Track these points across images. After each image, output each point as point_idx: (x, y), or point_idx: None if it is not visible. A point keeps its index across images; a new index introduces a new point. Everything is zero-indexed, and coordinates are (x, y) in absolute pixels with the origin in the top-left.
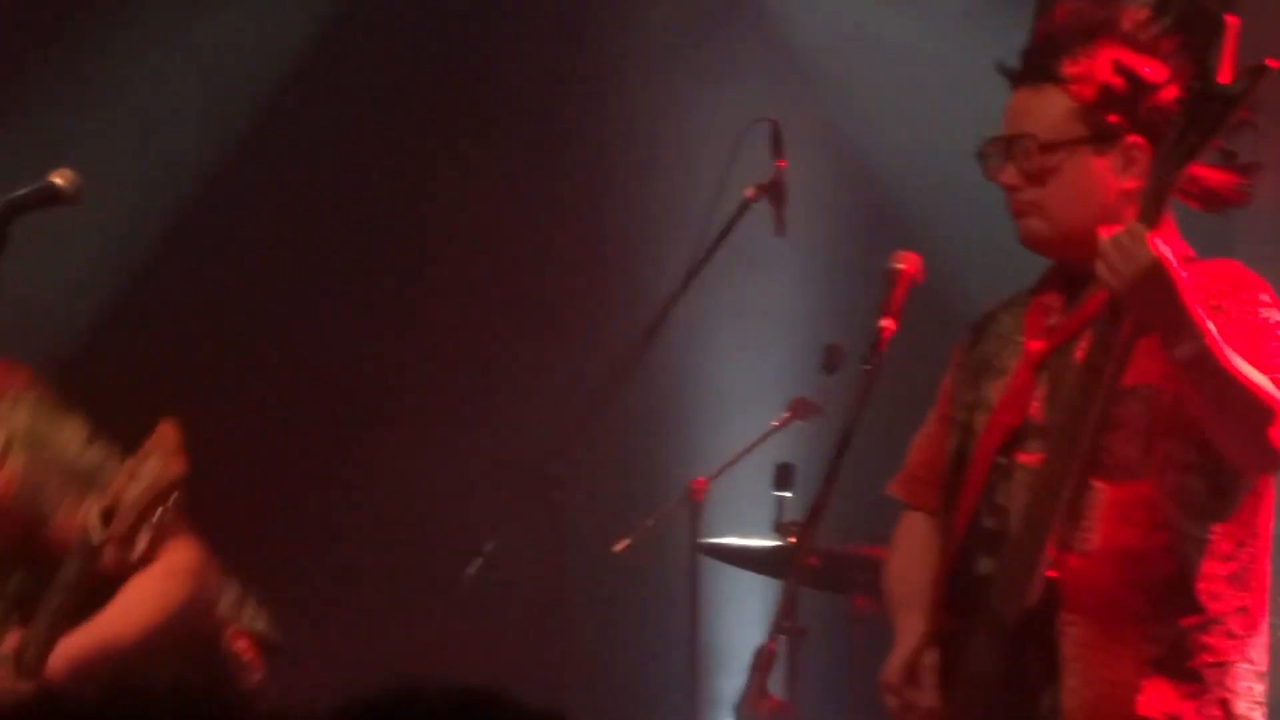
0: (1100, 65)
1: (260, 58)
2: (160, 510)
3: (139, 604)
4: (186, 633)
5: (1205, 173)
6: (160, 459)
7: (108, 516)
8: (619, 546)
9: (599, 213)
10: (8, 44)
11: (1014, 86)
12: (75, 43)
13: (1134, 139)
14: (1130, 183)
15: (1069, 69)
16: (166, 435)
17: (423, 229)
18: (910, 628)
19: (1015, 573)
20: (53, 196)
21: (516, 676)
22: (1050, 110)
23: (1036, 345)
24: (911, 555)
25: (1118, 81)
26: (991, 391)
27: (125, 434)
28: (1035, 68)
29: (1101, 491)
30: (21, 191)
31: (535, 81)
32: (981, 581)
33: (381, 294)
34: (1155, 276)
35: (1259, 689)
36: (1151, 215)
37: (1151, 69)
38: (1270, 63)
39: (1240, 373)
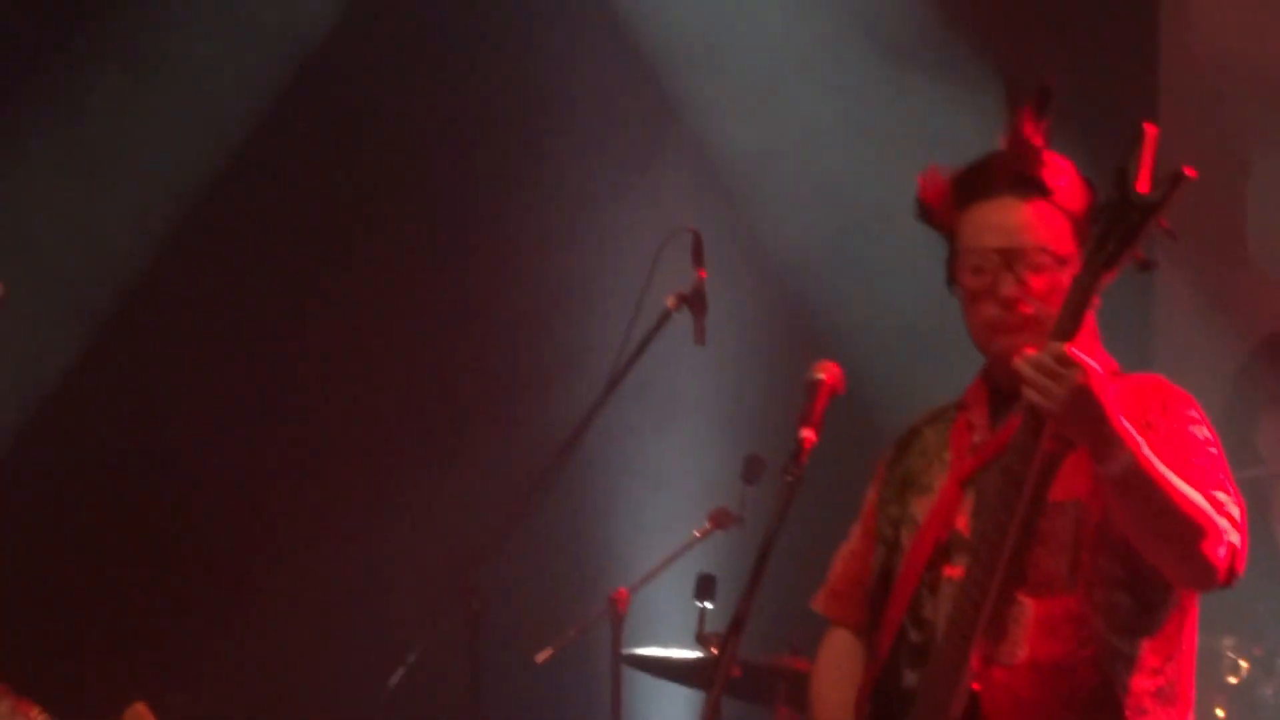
0: (1073, 178)
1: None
2: None
3: None
4: None
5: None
6: None
7: None
8: (541, 656)
9: (518, 321)
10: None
11: (988, 196)
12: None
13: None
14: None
15: (1053, 181)
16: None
17: (349, 331)
18: None
19: (939, 686)
20: None
21: None
22: (1054, 224)
23: (963, 463)
24: (832, 674)
25: (1091, 195)
26: (917, 507)
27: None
28: (1024, 179)
29: (1027, 606)
30: None
31: (467, 195)
32: (907, 695)
33: (307, 396)
34: (1083, 397)
35: None
36: (1069, 329)
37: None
38: (1188, 171)
39: (1174, 488)
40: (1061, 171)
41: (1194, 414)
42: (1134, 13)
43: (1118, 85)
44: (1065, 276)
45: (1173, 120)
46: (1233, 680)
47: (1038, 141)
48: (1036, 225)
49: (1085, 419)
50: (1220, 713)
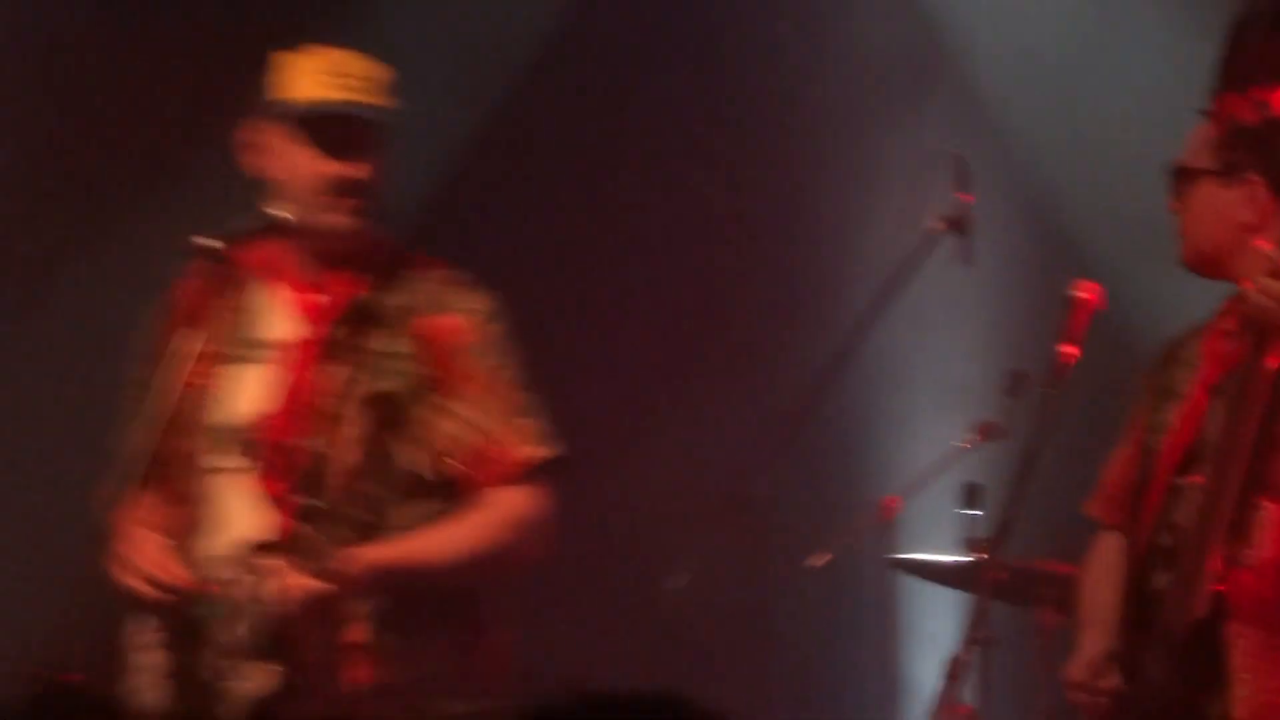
0: (1244, 104)
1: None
2: (494, 461)
3: (457, 539)
4: (489, 577)
5: None
6: (499, 412)
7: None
8: (816, 561)
9: (794, 243)
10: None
11: None
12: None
13: (1255, 178)
14: (1248, 217)
15: (1218, 104)
16: (509, 386)
17: (626, 252)
18: (1092, 637)
19: (1184, 588)
20: (283, 225)
21: (719, 684)
22: (1196, 140)
23: (1212, 370)
24: (1102, 574)
25: (1250, 120)
26: (1171, 415)
27: None
28: (1205, 101)
29: (1268, 509)
30: (246, 223)
31: (737, 120)
32: (1158, 596)
33: (583, 321)
34: None
35: None
36: None
37: None
38: None
39: None
40: (1242, 96)
41: None
42: None
43: None
44: (1192, 189)
45: None
46: None
47: None
48: (1189, 142)
49: None
50: None
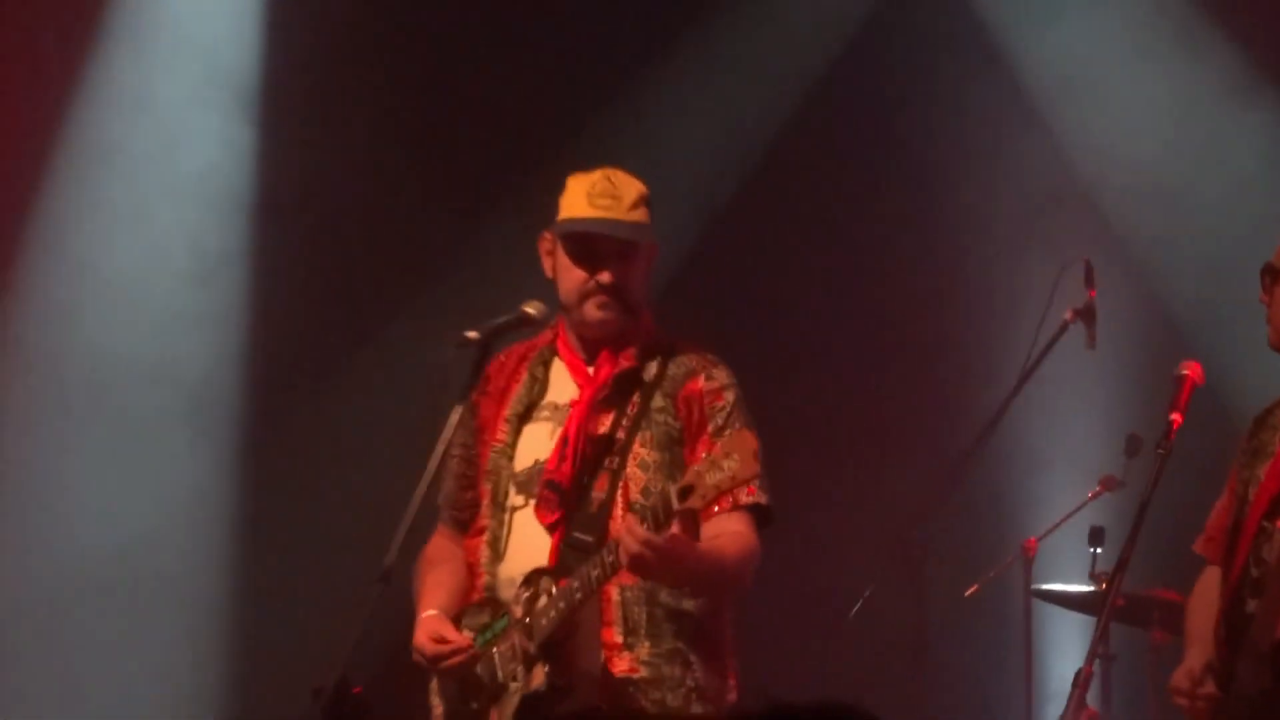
0: None
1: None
2: (730, 499)
3: (730, 551)
4: (724, 595)
5: None
6: (739, 460)
7: (685, 492)
8: (969, 591)
9: (957, 328)
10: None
11: None
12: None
13: None
14: None
15: None
16: (747, 441)
17: (825, 339)
18: (1194, 653)
19: (1271, 611)
20: (526, 322)
21: (887, 696)
22: None
23: None
24: (1204, 601)
25: None
26: (1262, 470)
27: None
28: None
29: None
30: (501, 319)
31: (922, 226)
32: (1249, 618)
33: (788, 394)
34: None
35: None
36: None
37: None
38: None
39: None
40: None
41: None
42: None
43: None
44: None
45: None
46: None
47: None
48: None
49: None
50: None
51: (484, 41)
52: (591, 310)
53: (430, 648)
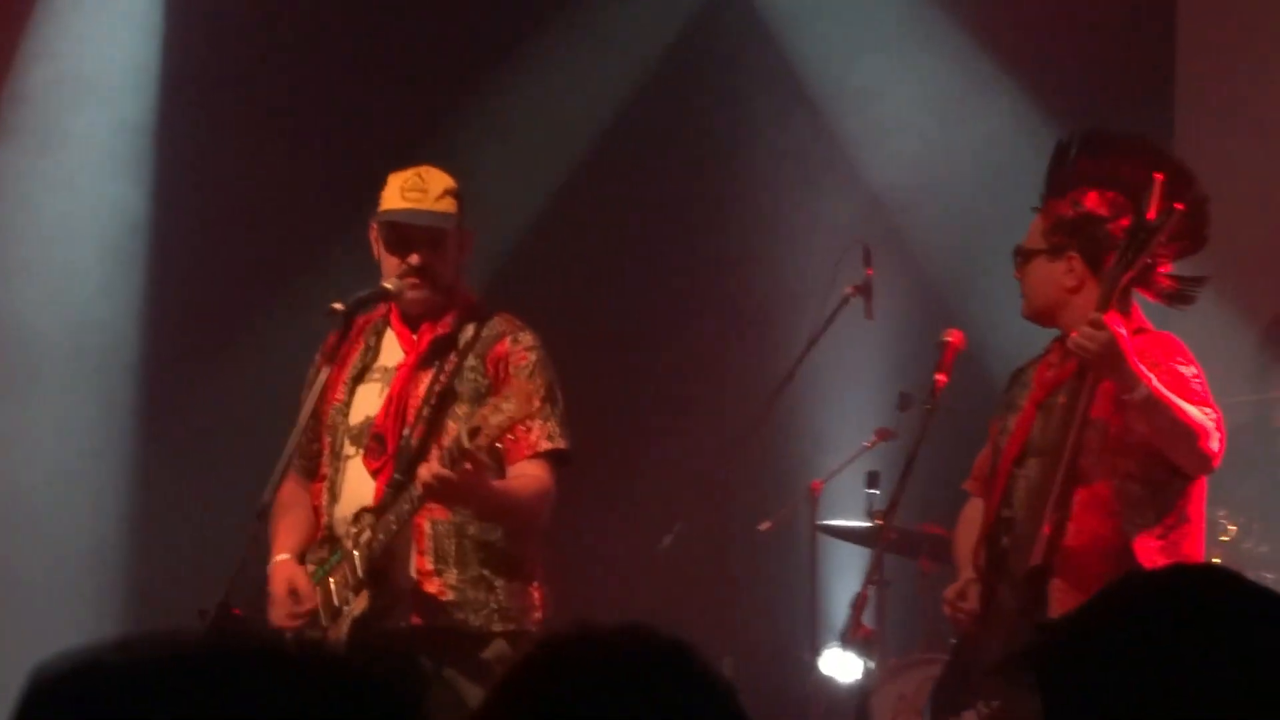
0: (1064, 203)
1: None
2: (509, 438)
3: (523, 488)
4: (518, 528)
5: (1163, 281)
6: (515, 403)
7: (474, 433)
8: (764, 526)
9: (752, 302)
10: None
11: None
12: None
13: (1073, 255)
14: (1070, 283)
15: (1048, 203)
16: (523, 387)
17: (634, 305)
18: (964, 574)
19: (1022, 546)
20: (385, 297)
21: (691, 618)
22: (1033, 229)
23: (1040, 390)
24: (968, 530)
25: (1069, 215)
26: (1013, 422)
27: None
28: (1041, 198)
29: (1077, 492)
30: (364, 293)
31: (713, 217)
32: (1003, 552)
33: (602, 354)
34: (1110, 348)
35: None
36: (1104, 303)
37: (1104, 207)
38: (1178, 205)
39: (1177, 405)
40: (1063, 199)
41: (1183, 358)
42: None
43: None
44: (1030, 264)
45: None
46: (1224, 539)
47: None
48: (1028, 229)
49: (1112, 363)
50: (1217, 561)
51: (358, 51)
52: (407, 290)
53: (289, 604)
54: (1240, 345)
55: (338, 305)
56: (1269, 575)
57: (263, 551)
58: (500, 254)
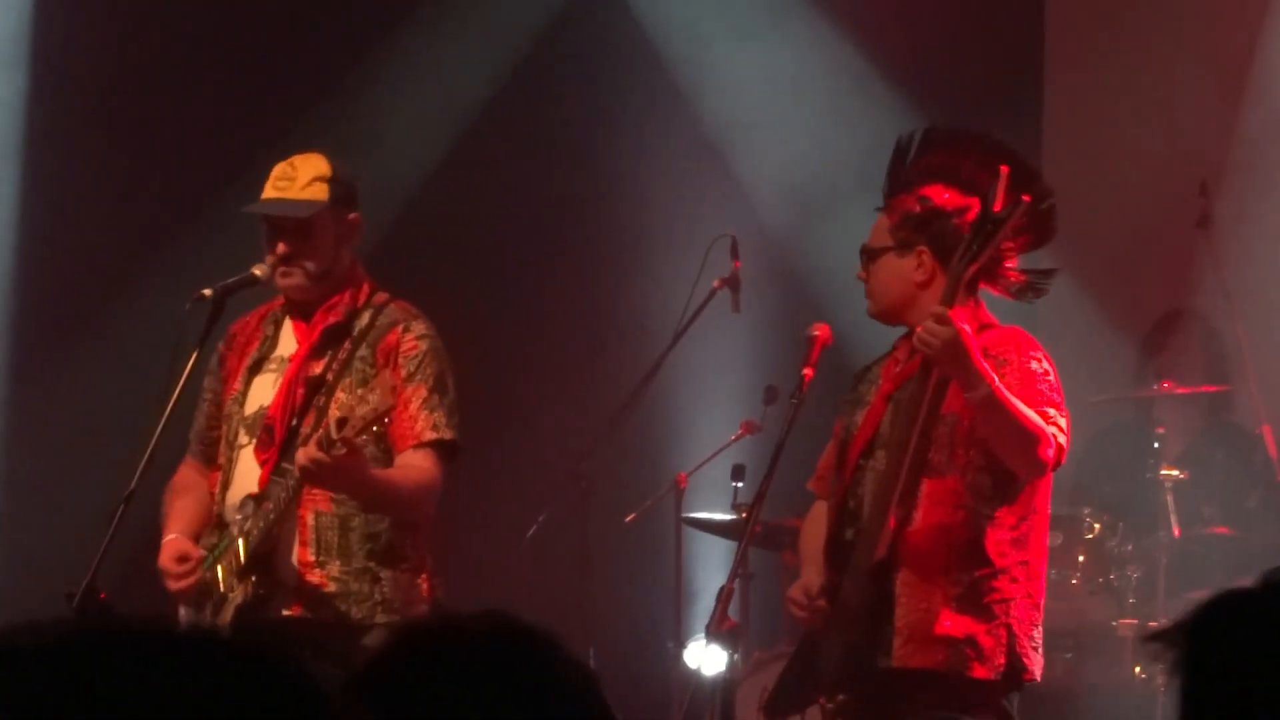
0: (910, 199)
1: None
2: (376, 429)
3: (405, 477)
4: (400, 515)
5: (1010, 275)
6: (379, 395)
7: (341, 424)
8: (629, 519)
9: (619, 295)
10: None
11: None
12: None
13: (922, 249)
14: (920, 278)
15: (892, 201)
16: (386, 380)
17: (508, 297)
18: (809, 572)
19: (868, 539)
20: (252, 283)
21: (554, 609)
22: (878, 228)
23: (887, 384)
24: (813, 529)
25: (916, 210)
26: (860, 417)
27: None
28: (884, 197)
29: (923, 485)
30: (231, 280)
31: (579, 209)
32: (848, 545)
33: (479, 346)
34: (954, 345)
35: (1037, 616)
36: (949, 299)
37: (951, 201)
38: (1025, 197)
39: (1017, 409)
40: (909, 194)
41: (1036, 354)
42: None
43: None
44: (877, 262)
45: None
46: (1089, 536)
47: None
48: (872, 229)
49: (955, 360)
50: (1081, 558)
51: (226, 40)
52: (279, 278)
53: (173, 567)
54: (1116, 343)
55: (206, 292)
56: (1133, 574)
57: (132, 531)
58: (363, 250)
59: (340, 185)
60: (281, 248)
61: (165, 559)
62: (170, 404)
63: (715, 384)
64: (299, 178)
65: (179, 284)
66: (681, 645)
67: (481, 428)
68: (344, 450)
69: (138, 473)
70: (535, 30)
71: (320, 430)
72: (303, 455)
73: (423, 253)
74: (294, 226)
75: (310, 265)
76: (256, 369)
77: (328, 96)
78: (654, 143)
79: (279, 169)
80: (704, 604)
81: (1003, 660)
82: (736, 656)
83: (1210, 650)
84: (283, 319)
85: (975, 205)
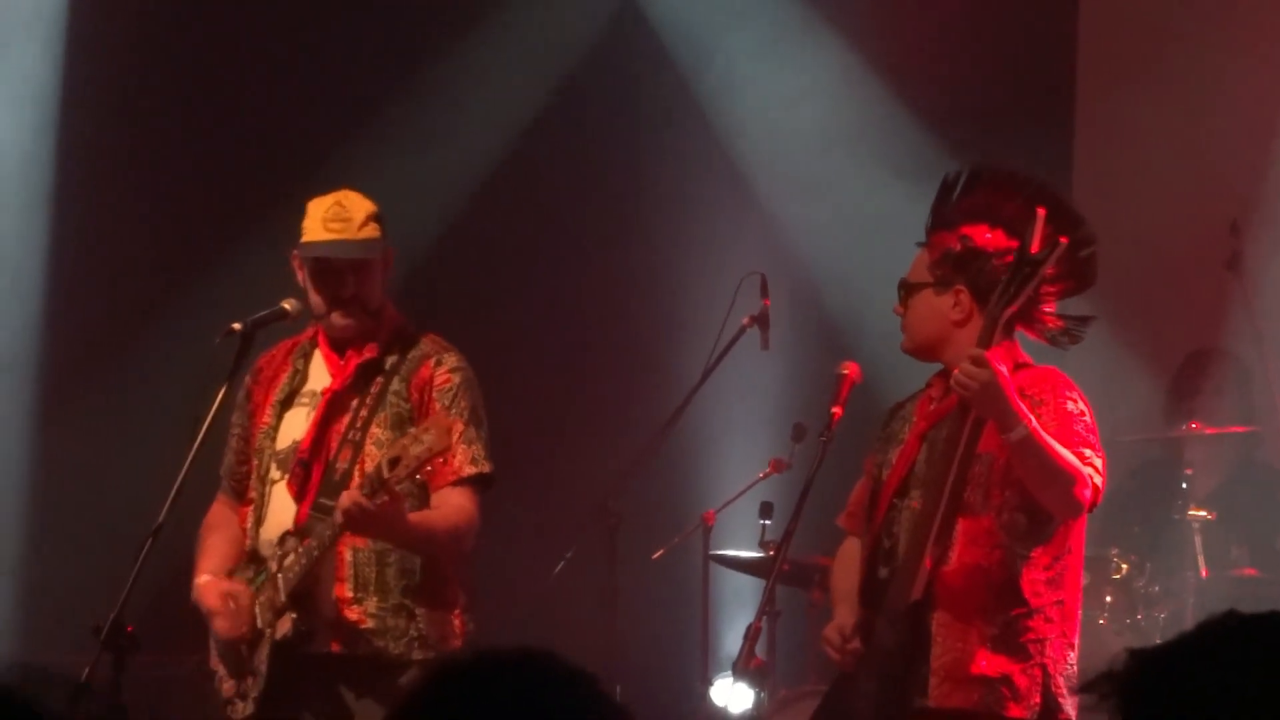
0: (951, 237)
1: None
2: (428, 468)
3: (444, 519)
4: (442, 554)
5: (1047, 319)
6: (434, 434)
7: (393, 463)
8: (656, 556)
9: (650, 336)
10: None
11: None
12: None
13: (960, 288)
14: (957, 316)
15: (933, 237)
16: (442, 420)
17: (541, 335)
18: (842, 611)
19: (903, 578)
20: (283, 317)
21: (582, 645)
22: (917, 263)
23: (922, 423)
24: (845, 567)
25: (956, 249)
26: (894, 455)
27: None
28: (925, 233)
29: (959, 524)
30: (262, 313)
31: (619, 245)
32: (882, 584)
33: (510, 380)
34: (992, 387)
35: (1071, 656)
36: (986, 340)
37: (992, 243)
38: (1063, 239)
39: (1054, 450)
40: (950, 232)
41: (1072, 395)
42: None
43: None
44: (914, 297)
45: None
46: (1116, 576)
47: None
48: (911, 264)
49: (993, 402)
50: (1109, 598)
51: (262, 66)
52: (337, 319)
53: (221, 606)
54: (1147, 384)
55: (236, 325)
56: (1160, 614)
57: (159, 565)
58: (395, 279)
59: (383, 222)
60: (346, 292)
61: (212, 599)
62: (199, 437)
63: (744, 421)
64: (354, 218)
65: (208, 318)
66: (708, 683)
67: (510, 463)
68: (386, 498)
69: (166, 506)
70: (569, 68)
71: (370, 471)
72: (346, 499)
73: (453, 287)
74: (355, 267)
75: (368, 303)
76: (288, 403)
77: (356, 135)
78: (686, 180)
79: (327, 209)
80: (731, 641)
81: (1038, 700)
82: (763, 695)
83: (1140, 699)
84: (312, 352)
85: (1015, 247)
